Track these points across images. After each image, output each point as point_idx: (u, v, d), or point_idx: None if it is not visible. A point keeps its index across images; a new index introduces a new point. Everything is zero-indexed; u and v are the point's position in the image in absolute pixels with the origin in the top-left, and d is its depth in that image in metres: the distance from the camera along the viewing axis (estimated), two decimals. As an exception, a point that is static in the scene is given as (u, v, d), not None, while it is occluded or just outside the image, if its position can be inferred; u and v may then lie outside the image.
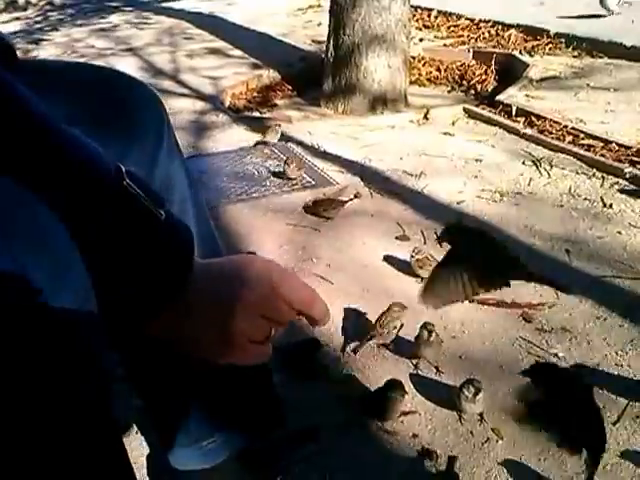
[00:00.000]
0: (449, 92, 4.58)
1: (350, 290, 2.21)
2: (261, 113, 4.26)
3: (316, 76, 4.45)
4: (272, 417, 1.40)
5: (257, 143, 3.50)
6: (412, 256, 2.23)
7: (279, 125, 3.55)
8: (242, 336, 0.73)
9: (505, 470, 1.53)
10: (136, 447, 1.65)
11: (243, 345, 0.74)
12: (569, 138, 3.32)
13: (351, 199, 2.78)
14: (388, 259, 2.39)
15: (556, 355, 1.89)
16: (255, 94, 4.67)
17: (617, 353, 1.89)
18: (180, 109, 4.08)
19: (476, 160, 3.21)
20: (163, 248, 0.70)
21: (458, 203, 2.79)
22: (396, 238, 2.52)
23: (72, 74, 1.02)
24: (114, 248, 0.67)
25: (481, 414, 1.67)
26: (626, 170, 2.90)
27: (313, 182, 3.01)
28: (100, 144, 0.68)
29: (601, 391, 1.70)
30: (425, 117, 3.81)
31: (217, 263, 0.77)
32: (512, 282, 2.17)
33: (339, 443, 1.63)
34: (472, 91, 4.54)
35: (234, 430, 1.31)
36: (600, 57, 4.58)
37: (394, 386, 1.68)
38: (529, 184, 2.94)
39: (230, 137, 3.67)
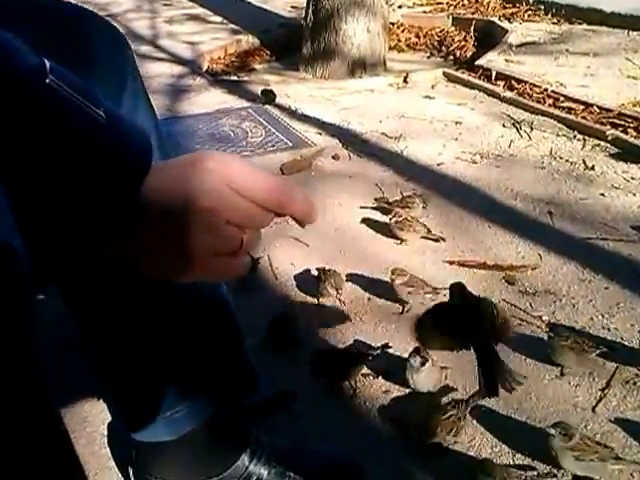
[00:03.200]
0: (428, 58, 4.39)
1: (326, 252, 2.04)
2: (239, 77, 4.04)
3: (295, 42, 4.25)
4: (243, 384, 1.23)
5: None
6: (391, 218, 2.06)
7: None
8: (203, 249, 0.56)
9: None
10: (97, 414, 1.48)
11: (205, 259, 0.57)
12: (549, 101, 3.15)
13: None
14: (367, 221, 2.22)
15: (540, 318, 1.74)
16: (233, 59, 4.45)
17: (603, 316, 1.74)
18: (157, 73, 3.86)
19: (456, 123, 3.03)
20: (106, 159, 0.54)
21: (438, 165, 2.62)
22: (375, 200, 2.34)
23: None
24: (40, 164, 0.51)
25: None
26: (608, 132, 2.74)
27: (290, 143, 2.82)
28: None
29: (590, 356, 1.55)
30: (405, 81, 3.61)
31: (163, 166, 0.59)
32: (494, 242, 2.01)
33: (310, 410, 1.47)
34: (451, 57, 4.34)
35: (201, 398, 1.14)
36: (579, 23, 4.39)
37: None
38: (509, 146, 2.77)
39: (207, 100, 3.46)
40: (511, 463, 1.33)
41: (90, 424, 1.48)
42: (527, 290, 1.85)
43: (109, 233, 0.55)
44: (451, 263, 1.97)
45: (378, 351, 1.59)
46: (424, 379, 1.46)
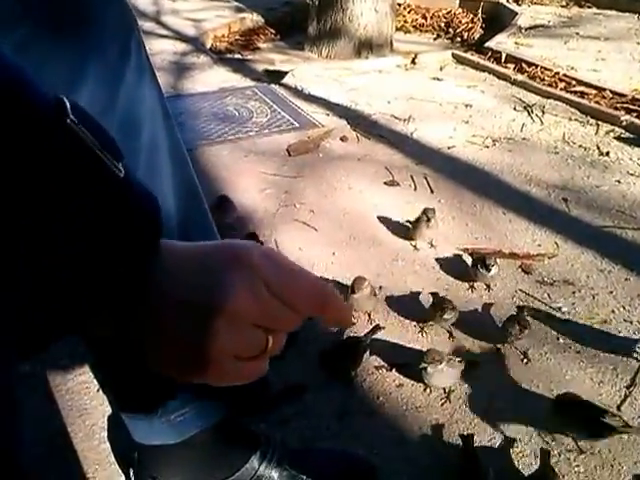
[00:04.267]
0: (435, 39, 4.26)
1: (335, 237, 1.93)
2: (243, 56, 3.91)
3: (300, 21, 4.13)
4: (254, 384, 1.12)
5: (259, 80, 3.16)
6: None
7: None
8: (222, 352, 0.48)
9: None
10: (96, 406, 1.38)
11: (222, 363, 0.48)
12: (561, 85, 3.04)
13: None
14: (376, 205, 2.11)
15: (560, 309, 1.64)
16: (238, 37, 4.31)
17: (625, 308, 1.64)
18: (160, 50, 3.73)
19: (466, 105, 2.91)
20: (119, 222, 0.44)
21: (449, 148, 2.51)
22: (385, 183, 2.24)
23: None
24: (48, 217, 0.40)
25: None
26: (623, 118, 2.63)
27: (297, 124, 2.70)
28: (50, 47, 0.49)
29: (612, 355, 1.45)
30: (413, 62, 3.49)
31: (196, 249, 0.50)
32: (509, 229, 1.88)
33: (321, 404, 1.38)
34: (458, 39, 4.21)
35: (209, 400, 1.04)
36: (589, 7, 4.27)
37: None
38: (521, 130, 2.66)
39: (211, 78, 3.33)
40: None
41: (89, 417, 1.38)
42: (545, 280, 1.75)
43: (102, 304, 0.44)
44: (465, 251, 1.87)
45: (373, 335, 1.50)
46: (441, 379, 1.36)
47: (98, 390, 1.41)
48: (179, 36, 4.08)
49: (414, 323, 1.60)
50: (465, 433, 1.28)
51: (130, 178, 0.45)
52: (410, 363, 1.43)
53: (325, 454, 1.22)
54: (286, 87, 3.15)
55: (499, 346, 1.50)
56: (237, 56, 3.90)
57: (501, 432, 1.30)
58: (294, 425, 1.33)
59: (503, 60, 3.38)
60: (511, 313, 1.55)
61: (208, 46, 4.05)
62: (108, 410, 1.37)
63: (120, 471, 1.23)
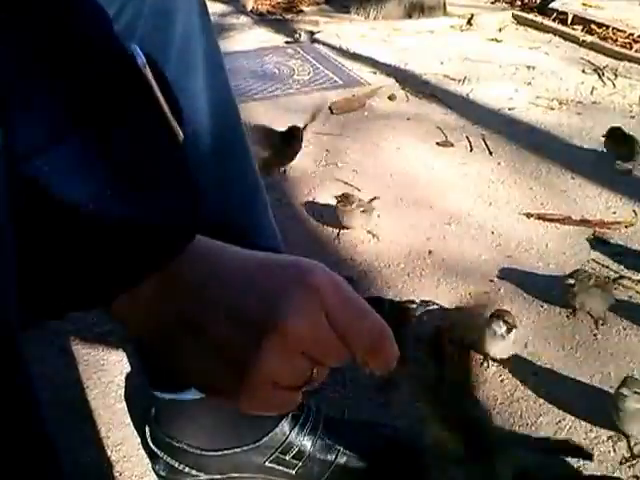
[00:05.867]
0: (492, 3, 4.07)
1: (380, 198, 1.81)
2: (285, 18, 3.81)
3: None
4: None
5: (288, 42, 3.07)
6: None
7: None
8: (264, 376, 0.44)
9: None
10: (114, 362, 1.30)
11: (264, 390, 0.45)
12: (637, 46, 2.86)
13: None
14: (427, 166, 1.99)
15: (638, 282, 1.50)
16: (280, 0, 4.21)
17: None
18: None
19: (528, 67, 2.76)
20: (170, 190, 0.43)
21: (509, 109, 2.37)
22: (437, 144, 2.11)
23: None
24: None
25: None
26: None
27: (341, 82, 2.59)
28: None
29: None
30: (469, 23, 3.34)
31: (260, 259, 0.47)
32: (579, 195, 1.74)
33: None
34: (518, 2, 4.02)
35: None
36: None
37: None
38: (591, 93, 2.50)
39: (251, 38, 3.24)
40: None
41: (106, 373, 1.30)
42: (620, 251, 1.61)
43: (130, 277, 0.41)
44: (529, 216, 1.74)
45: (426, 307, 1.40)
46: (507, 348, 1.24)
47: (119, 347, 1.34)
48: (218, -3, 4.02)
49: (468, 292, 1.48)
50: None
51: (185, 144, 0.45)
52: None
53: (365, 427, 1.12)
54: (330, 46, 3.04)
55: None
56: (279, 18, 3.81)
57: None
58: (330, 395, 1.23)
59: (570, 21, 3.22)
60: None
61: (249, 8, 3.97)
62: (126, 367, 1.29)
63: (136, 433, 1.16)
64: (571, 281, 1.33)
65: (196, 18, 0.79)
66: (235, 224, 0.80)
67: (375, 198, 1.76)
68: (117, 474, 1.10)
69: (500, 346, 1.24)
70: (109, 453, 1.13)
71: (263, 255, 0.47)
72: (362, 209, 1.63)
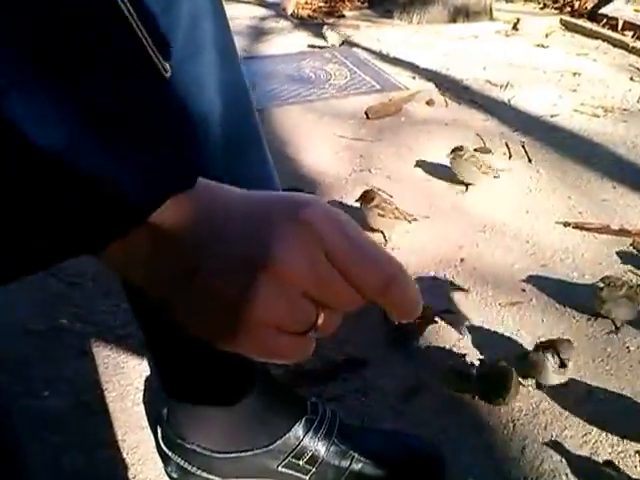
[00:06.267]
0: (541, 9, 4.02)
1: (412, 205, 1.79)
2: (325, 22, 3.83)
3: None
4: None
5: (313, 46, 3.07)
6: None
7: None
8: (264, 317, 0.41)
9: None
10: (134, 366, 1.32)
11: (261, 330, 0.42)
12: (690, 54, 2.79)
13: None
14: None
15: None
16: (321, 4, 4.22)
17: None
18: (237, 15, 3.69)
19: (574, 74, 2.71)
20: (158, 131, 0.42)
21: (552, 117, 2.33)
22: (475, 150, 2.08)
23: None
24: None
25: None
26: None
27: (378, 86, 2.58)
28: None
29: None
30: (514, 28, 3.31)
31: (253, 197, 0.44)
32: (620, 204, 1.71)
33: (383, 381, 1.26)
34: (568, 9, 3.96)
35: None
36: None
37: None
38: (638, 101, 2.45)
39: (289, 42, 3.25)
40: None
41: (125, 376, 1.31)
42: (662, 262, 1.57)
43: (122, 226, 0.39)
44: (566, 225, 1.70)
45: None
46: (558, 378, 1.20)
47: (136, 348, 1.34)
48: (259, 1, 4.05)
49: (499, 301, 1.46)
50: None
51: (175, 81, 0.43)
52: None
53: (384, 436, 1.10)
54: (369, 51, 3.03)
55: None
56: (319, 22, 3.82)
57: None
58: (350, 402, 1.22)
59: (620, 27, 3.16)
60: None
61: (289, 12, 3.99)
62: (146, 370, 1.30)
63: (152, 436, 1.16)
64: (600, 285, 1.30)
65: (205, 1, 0.76)
66: None
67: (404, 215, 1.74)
68: (131, 476, 1.10)
69: (551, 378, 1.19)
70: (124, 455, 1.14)
71: (260, 192, 0.44)
72: (392, 215, 1.62)
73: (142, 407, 1.24)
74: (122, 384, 1.28)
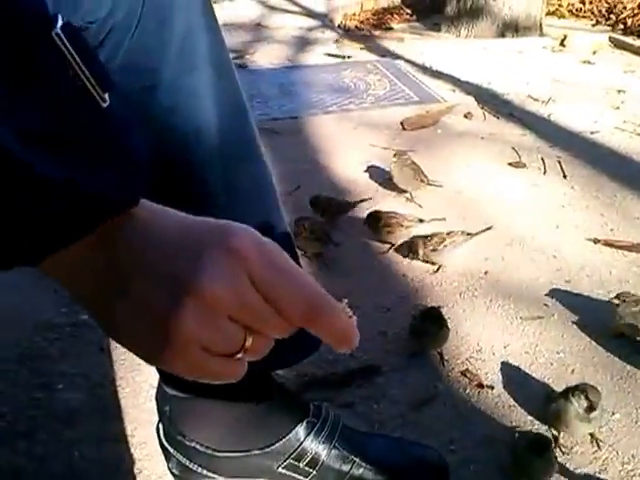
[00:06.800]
0: (593, 26, 3.97)
1: (442, 215, 1.79)
2: (372, 34, 3.85)
3: (441, 2, 3.97)
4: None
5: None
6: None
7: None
8: (189, 338, 0.44)
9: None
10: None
11: (189, 351, 0.44)
12: None
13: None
14: (496, 186, 1.96)
15: None
16: (370, 16, 4.25)
17: None
18: (283, 24, 3.74)
19: (619, 91, 2.68)
20: (96, 155, 0.44)
21: (592, 133, 2.31)
22: (509, 164, 2.08)
23: None
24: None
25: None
26: None
27: (416, 98, 2.59)
28: None
29: None
30: (562, 44, 3.27)
31: (187, 221, 0.47)
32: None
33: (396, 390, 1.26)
34: (620, 26, 3.90)
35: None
36: None
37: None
38: (684, 121, 2.40)
39: (332, 52, 3.28)
40: None
41: (141, 373, 1.33)
42: (693, 284, 1.53)
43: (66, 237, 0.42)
44: (595, 242, 1.68)
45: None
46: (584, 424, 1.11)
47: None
48: (307, 12, 4.09)
49: (520, 315, 1.44)
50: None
51: (113, 110, 0.45)
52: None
53: (387, 442, 1.10)
54: (412, 63, 3.05)
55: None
56: (365, 34, 3.84)
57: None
58: (361, 409, 1.23)
59: (672, 46, 3.10)
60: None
61: (336, 23, 4.03)
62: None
63: (161, 433, 1.18)
64: (616, 301, 1.29)
65: (198, 17, 0.79)
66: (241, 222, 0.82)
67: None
68: (137, 471, 1.13)
69: (578, 427, 1.10)
70: (132, 450, 1.16)
71: (197, 219, 0.46)
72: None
73: (154, 404, 1.26)
74: (137, 381, 1.31)
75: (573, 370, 1.28)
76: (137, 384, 1.31)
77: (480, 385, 1.27)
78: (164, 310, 0.43)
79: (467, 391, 1.27)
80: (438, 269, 1.59)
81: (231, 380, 0.47)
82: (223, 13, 3.47)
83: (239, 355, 0.45)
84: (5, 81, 0.39)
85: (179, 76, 0.76)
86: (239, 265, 0.43)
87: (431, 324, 1.32)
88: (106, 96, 0.44)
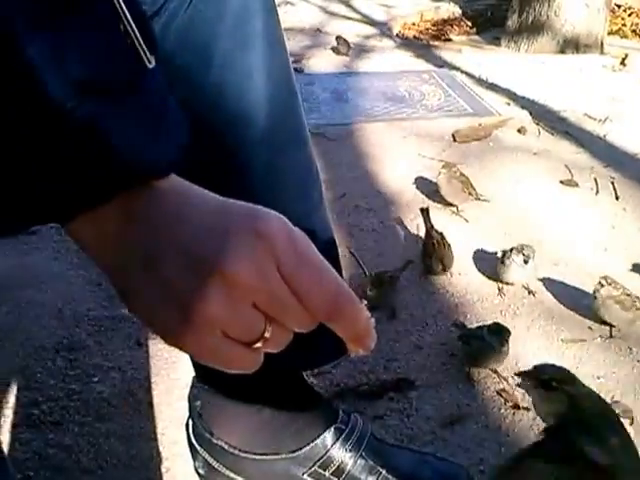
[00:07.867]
0: (658, 46, 3.88)
1: (487, 231, 1.76)
2: (428, 44, 3.82)
3: (502, 16, 3.93)
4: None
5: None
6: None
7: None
8: (209, 320, 0.42)
9: None
10: (186, 361, 1.34)
11: (206, 333, 0.43)
12: None
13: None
14: (545, 203, 1.92)
15: None
16: (429, 26, 4.22)
17: None
18: (343, 31, 3.73)
19: (681, 113, 2.60)
20: (136, 115, 0.42)
21: (648, 155, 2.24)
22: (561, 182, 2.03)
23: None
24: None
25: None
26: None
27: (470, 110, 2.56)
28: None
29: None
30: (622, 63, 3.19)
31: (218, 202, 0.45)
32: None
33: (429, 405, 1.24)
34: (688, 47, 3.80)
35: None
36: None
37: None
38: None
39: (389, 61, 3.27)
40: None
41: (175, 370, 1.34)
42: None
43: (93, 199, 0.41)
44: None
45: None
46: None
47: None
48: (366, 19, 4.09)
49: (561, 336, 1.41)
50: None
51: (158, 71, 0.43)
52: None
53: (415, 456, 1.08)
54: (468, 74, 3.01)
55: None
56: (423, 44, 3.82)
57: None
58: (392, 422, 1.21)
59: None
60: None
61: (395, 32, 4.02)
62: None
63: (191, 433, 1.18)
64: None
65: None
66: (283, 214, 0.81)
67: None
68: (164, 470, 1.12)
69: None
70: (161, 449, 1.16)
71: (228, 201, 0.45)
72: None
73: (186, 403, 1.26)
74: (171, 377, 1.31)
75: (613, 396, 1.24)
76: (172, 381, 1.31)
77: (516, 406, 1.24)
78: (188, 289, 0.42)
79: (502, 411, 1.24)
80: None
81: (243, 370, 0.45)
82: (284, 17, 3.48)
83: (257, 345, 0.44)
84: (59, 24, 0.38)
85: (232, 52, 0.74)
86: (267, 251, 0.42)
87: (496, 339, 1.29)
88: (152, 58, 0.42)
